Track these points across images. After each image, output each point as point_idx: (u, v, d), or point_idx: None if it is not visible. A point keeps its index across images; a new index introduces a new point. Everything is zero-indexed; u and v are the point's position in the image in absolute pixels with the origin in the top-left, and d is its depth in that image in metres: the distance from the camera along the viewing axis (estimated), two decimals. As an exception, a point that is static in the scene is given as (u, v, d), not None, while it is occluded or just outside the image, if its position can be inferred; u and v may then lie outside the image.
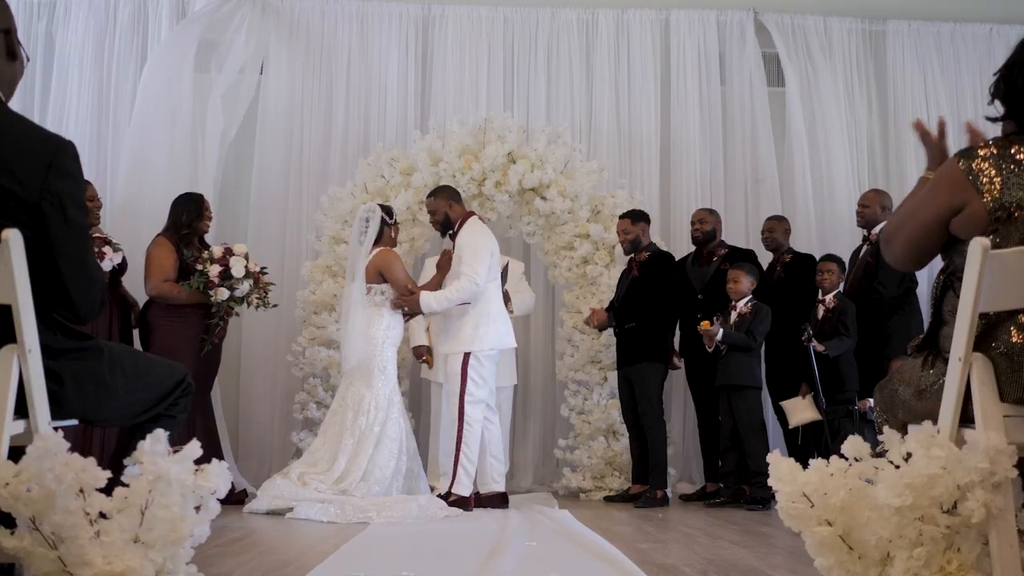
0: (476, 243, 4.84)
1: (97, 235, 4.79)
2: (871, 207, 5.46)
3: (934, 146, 2.32)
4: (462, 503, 4.68)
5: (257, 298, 5.03)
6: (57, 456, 1.82)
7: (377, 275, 4.86)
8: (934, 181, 2.11)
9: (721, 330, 5.14)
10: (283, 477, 4.71)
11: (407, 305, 4.83)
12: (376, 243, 4.92)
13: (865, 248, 5.46)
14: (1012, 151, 2.00)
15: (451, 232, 4.99)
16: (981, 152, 2.02)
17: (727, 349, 5.18)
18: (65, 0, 6.35)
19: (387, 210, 5.02)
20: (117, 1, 6.38)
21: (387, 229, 4.96)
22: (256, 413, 6.06)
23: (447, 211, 4.97)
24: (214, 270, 4.85)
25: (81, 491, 1.83)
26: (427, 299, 4.78)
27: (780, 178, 6.48)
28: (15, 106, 2.11)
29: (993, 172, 1.99)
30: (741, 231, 6.30)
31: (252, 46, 6.29)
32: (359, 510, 4.34)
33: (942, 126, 2.34)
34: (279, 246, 6.20)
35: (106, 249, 4.72)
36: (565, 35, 6.55)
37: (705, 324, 5.17)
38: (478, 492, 4.98)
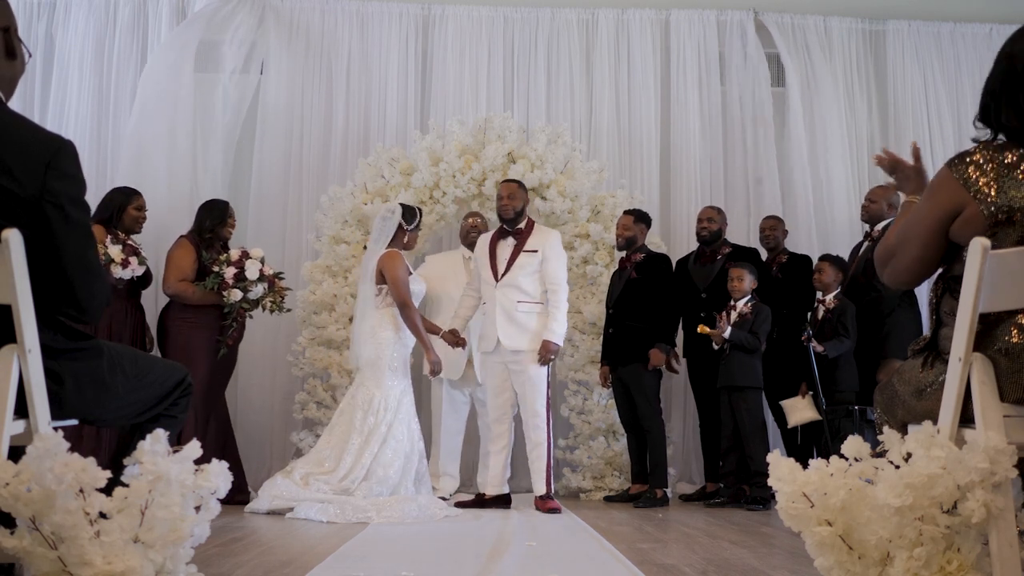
0: (561, 254, 4.96)
1: (129, 242, 4.87)
2: (878, 203, 5.39)
3: (909, 170, 2.32)
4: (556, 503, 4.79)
5: (271, 302, 5.06)
6: (57, 456, 1.82)
7: (382, 276, 4.85)
8: (928, 191, 2.12)
9: (729, 328, 5.14)
10: (284, 476, 4.70)
11: (552, 356, 4.83)
12: (390, 244, 4.92)
13: (866, 245, 5.41)
14: (1004, 155, 2.01)
15: (512, 228, 4.98)
16: (973, 158, 2.03)
17: (730, 349, 5.18)
18: (65, 0, 6.36)
19: (408, 212, 5.00)
20: (117, 1, 6.39)
21: (400, 232, 4.94)
22: (256, 413, 6.05)
23: (525, 205, 5.03)
24: (229, 272, 4.90)
25: (81, 491, 1.83)
26: (556, 335, 4.80)
27: (780, 178, 6.48)
28: (16, 106, 2.11)
29: (986, 176, 2.00)
30: (742, 231, 6.29)
31: (252, 46, 6.30)
32: (359, 510, 4.34)
33: (916, 151, 2.35)
34: (279, 246, 6.20)
35: (132, 259, 4.78)
36: (565, 35, 6.55)
37: (702, 328, 5.17)
38: (483, 493, 4.99)
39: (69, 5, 6.36)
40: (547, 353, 4.80)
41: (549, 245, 4.91)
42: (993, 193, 1.98)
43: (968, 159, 2.04)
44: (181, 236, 5.12)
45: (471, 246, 5.56)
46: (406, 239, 4.97)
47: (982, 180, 2.00)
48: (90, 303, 2.06)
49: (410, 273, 4.91)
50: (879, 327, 5.15)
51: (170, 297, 5.01)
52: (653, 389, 5.35)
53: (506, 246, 4.95)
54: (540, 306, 4.87)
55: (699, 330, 5.20)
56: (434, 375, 4.93)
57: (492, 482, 4.95)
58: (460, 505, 4.89)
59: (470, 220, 5.63)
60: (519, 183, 5.12)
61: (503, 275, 4.89)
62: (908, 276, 2.17)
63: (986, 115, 2.10)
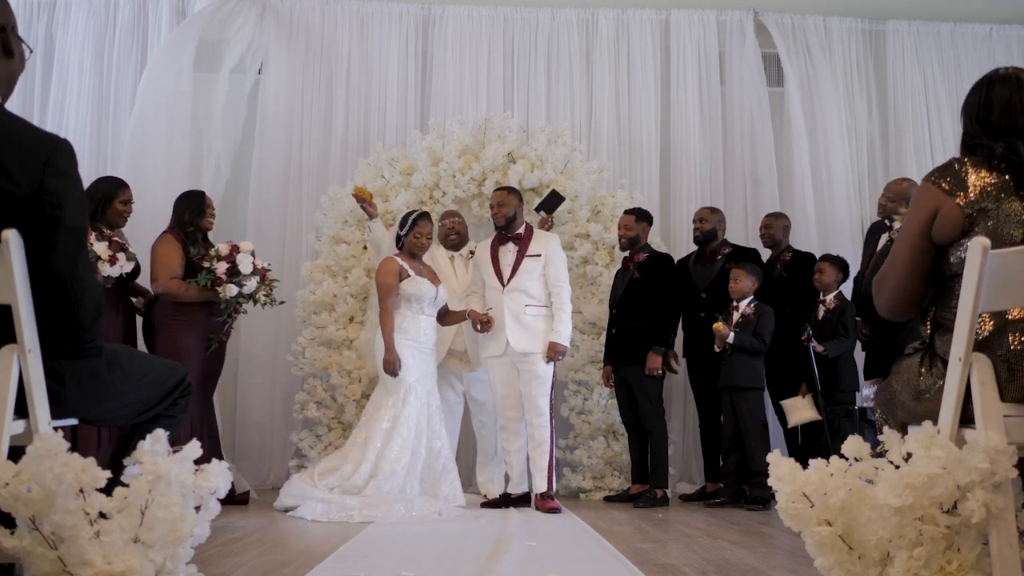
0: (562, 255, 5.07)
1: (115, 238, 4.79)
2: (897, 202, 5.19)
3: None
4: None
5: (264, 295, 5.02)
6: (57, 456, 1.82)
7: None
8: (911, 203, 2.22)
9: (733, 333, 5.13)
10: (303, 473, 4.82)
11: (559, 356, 4.95)
12: (399, 252, 4.98)
13: (885, 243, 5.21)
14: (978, 160, 2.12)
15: (510, 234, 5.02)
16: (949, 166, 2.15)
17: (732, 351, 5.17)
18: (65, 0, 6.36)
19: (402, 219, 5.00)
20: (117, 1, 6.39)
21: (401, 240, 4.98)
22: (256, 413, 6.06)
23: (518, 211, 5.07)
24: (221, 267, 4.81)
25: (81, 491, 1.83)
26: (563, 336, 4.90)
27: (780, 178, 6.48)
28: (15, 106, 2.11)
29: (957, 177, 2.10)
30: (741, 231, 6.29)
31: (252, 46, 6.29)
32: (343, 508, 4.40)
33: None
34: (279, 246, 6.20)
35: (119, 255, 4.69)
36: (565, 35, 6.55)
37: (719, 325, 5.15)
38: (508, 493, 5.03)
39: (69, 5, 6.35)
40: (554, 354, 4.91)
41: (550, 248, 5.03)
42: (970, 194, 2.07)
43: (945, 169, 2.14)
44: (164, 232, 4.99)
45: (452, 247, 5.57)
46: (405, 244, 4.97)
47: (956, 180, 2.10)
48: (83, 309, 2.03)
49: (407, 276, 4.88)
50: (896, 331, 5.08)
51: (161, 296, 4.87)
52: (656, 389, 5.35)
53: (508, 252, 5.03)
54: (546, 309, 4.98)
55: (715, 327, 5.18)
56: (391, 375, 4.82)
57: (517, 481, 5.00)
58: (485, 505, 4.99)
59: (447, 222, 5.59)
60: (509, 189, 5.16)
61: (509, 280, 4.97)
62: (900, 296, 2.22)
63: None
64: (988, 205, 2.06)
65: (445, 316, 5.10)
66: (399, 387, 4.81)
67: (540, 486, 4.84)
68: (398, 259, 4.93)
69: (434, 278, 5.00)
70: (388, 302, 4.85)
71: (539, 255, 4.98)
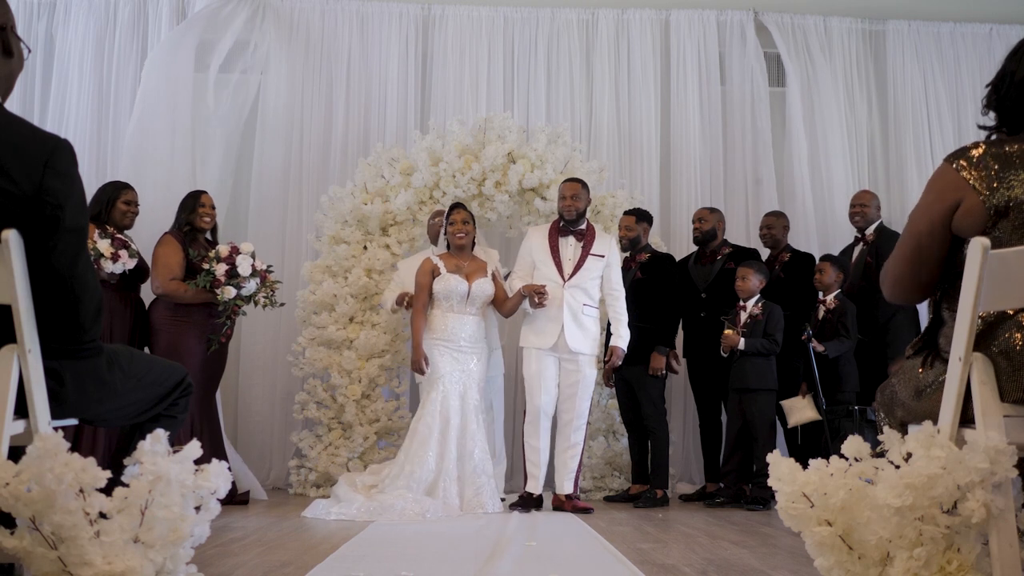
0: (620, 259, 5.11)
1: (119, 236, 4.80)
2: (869, 207, 5.57)
3: None
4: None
5: (264, 297, 5.02)
6: (57, 456, 1.82)
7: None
8: (927, 189, 2.12)
9: (743, 340, 5.12)
10: (347, 475, 4.94)
11: (619, 361, 4.99)
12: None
13: (862, 248, 5.50)
14: (1005, 149, 2.02)
15: (574, 227, 4.95)
16: (973, 153, 2.04)
17: (741, 354, 5.15)
18: (65, 0, 6.36)
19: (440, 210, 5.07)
20: (117, 1, 6.39)
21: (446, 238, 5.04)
22: (256, 413, 6.06)
23: (588, 205, 5.08)
24: (220, 269, 4.81)
25: (81, 491, 1.83)
26: (625, 341, 4.97)
27: (780, 178, 6.48)
28: (16, 106, 2.10)
29: (985, 170, 2.01)
30: (741, 231, 6.30)
31: (252, 46, 6.30)
32: (329, 506, 4.47)
33: None
34: (279, 246, 6.20)
35: (122, 252, 4.70)
36: (565, 35, 6.55)
37: (728, 332, 5.14)
38: (530, 492, 4.95)
39: (69, 5, 6.36)
40: (616, 360, 4.96)
41: (613, 252, 5.01)
42: (993, 185, 1.99)
43: (967, 153, 2.05)
44: (165, 233, 5.02)
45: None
46: (448, 241, 5.02)
47: (982, 173, 2.01)
48: (83, 308, 2.03)
49: (439, 274, 4.89)
50: (880, 332, 5.15)
51: (160, 297, 4.89)
52: (658, 390, 5.35)
53: (569, 245, 4.96)
54: (596, 310, 4.98)
55: (725, 334, 5.16)
56: (418, 372, 4.87)
57: (542, 479, 4.91)
58: (513, 507, 4.82)
59: (437, 220, 5.57)
60: (583, 183, 5.06)
61: (572, 276, 4.90)
62: (915, 283, 2.13)
63: (1002, 105, 2.12)
64: (1016, 196, 1.96)
65: (504, 304, 4.99)
66: (427, 385, 4.86)
67: (567, 487, 4.85)
68: (433, 257, 4.97)
69: (475, 274, 4.92)
70: (418, 302, 4.89)
71: (603, 256, 4.95)
